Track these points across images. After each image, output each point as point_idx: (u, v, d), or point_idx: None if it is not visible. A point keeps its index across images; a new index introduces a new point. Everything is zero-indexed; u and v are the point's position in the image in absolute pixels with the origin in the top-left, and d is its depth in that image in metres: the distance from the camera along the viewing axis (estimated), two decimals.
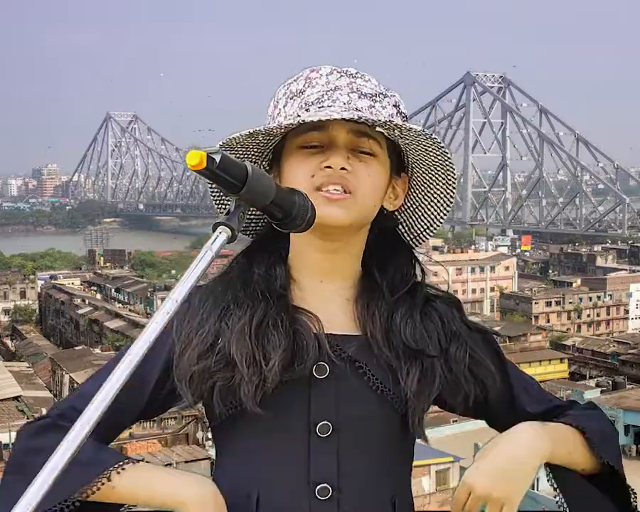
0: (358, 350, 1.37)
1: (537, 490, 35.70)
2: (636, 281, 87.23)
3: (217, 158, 1.04)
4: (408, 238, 1.52)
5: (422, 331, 1.40)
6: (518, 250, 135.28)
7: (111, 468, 1.30)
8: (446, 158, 1.39)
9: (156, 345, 1.10)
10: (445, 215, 1.48)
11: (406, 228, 1.52)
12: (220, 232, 1.06)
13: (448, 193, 1.46)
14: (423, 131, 1.34)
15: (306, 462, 1.34)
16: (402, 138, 1.37)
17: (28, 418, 41.38)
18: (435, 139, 1.35)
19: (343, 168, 1.33)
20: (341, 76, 1.38)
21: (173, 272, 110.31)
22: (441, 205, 1.47)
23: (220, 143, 1.34)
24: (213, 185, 1.39)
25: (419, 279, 1.47)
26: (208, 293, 1.41)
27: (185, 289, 1.01)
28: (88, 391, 1.38)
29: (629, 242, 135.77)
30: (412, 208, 1.50)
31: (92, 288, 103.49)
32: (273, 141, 1.41)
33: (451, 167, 1.41)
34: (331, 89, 1.36)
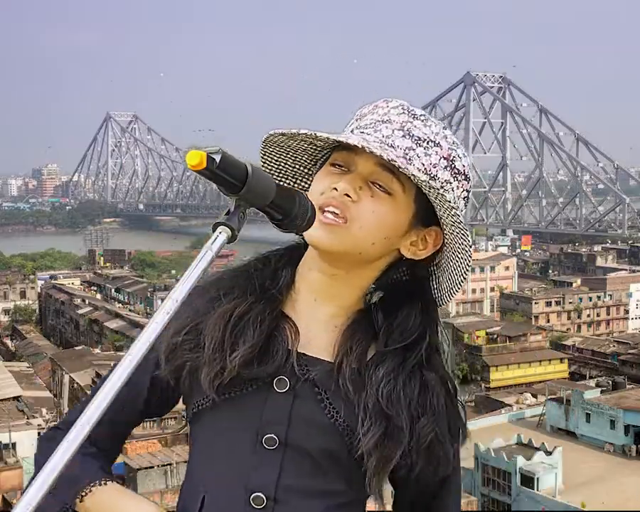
0: (322, 376, 1.36)
1: (537, 490, 35.80)
2: (636, 281, 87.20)
3: (217, 158, 1.04)
4: (436, 295, 1.47)
5: (400, 396, 1.35)
6: (518, 250, 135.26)
7: (83, 489, 1.36)
8: (461, 227, 1.33)
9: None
10: (464, 279, 1.42)
11: (436, 284, 1.47)
12: (220, 232, 1.06)
13: (466, 259, 1.39)
14: (434, 186, 1.30)
15: (248, 470, 1.35)
16: (425, 189, 1.32)
17: (27, 418, 41.50)
18: (445, 197, 1.31)
19: (347, 195, 1.32)
20: (402, 112, 1.37)
21: (173, 272, 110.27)
22: (461, 268, 1.41)
23: (264, 138, 1.38)
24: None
25: (428, 338, 1.41)
26: (208, 283, 1.45)
27: (186, 289, 1.02)
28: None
29: (629, 242, 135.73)
30: (442, 266, 1.45)
31: (92, 288, 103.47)
32: (323, 153, 1.43)
33: (467, 238, 1.35)
34: (382, 121, 1.36)
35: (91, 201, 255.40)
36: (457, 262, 1.41)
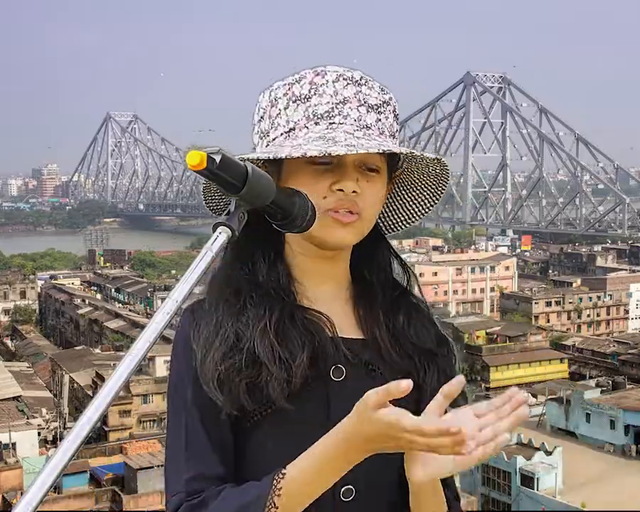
0: (370, 355, 1.39)
1: (537, 490, 35.80)
2: (636, 281, 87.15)
3: (218, 158, 1.04)
4: (381, 226, 1.54)
5: (423, 329, 1.43)
6: (518, 250, 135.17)
7: (269, 497, 1.25)
8: (445, 170, 1.44)
9: (187, 371, 1.32)
10: (425, 213, 1.52)
11: (381, 219, 1.54)
12: (220, 233, 1.07)
13: (434, 197, 1.50)
14: (436, 157, 1.40)
15: None
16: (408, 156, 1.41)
17: (27, 418, 41.48)
18: (439, 158, 1.40)
19: (354, 192, 1.34)
20: (348, 84, 1.37)
21: (173, 272, 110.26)
22: (425, 205, 1.52)
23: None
24: (207, 185, 1.41)
25: (398, 273, 1.50)
26: (217, 296, 1.40)
27: (186, 289, 1.01)
28: (177, 448, 1.36)
29: (629, 242, 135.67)
30: (388, 201, 1.52)
31: (92, 288, 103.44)
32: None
33: (446, 175, 1.45)
34: (340, 102, 1.35)
35: (91, 201, 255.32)
36: (420, 198, 1.51)
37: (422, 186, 1.49)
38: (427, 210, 1.52)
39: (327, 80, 1.36)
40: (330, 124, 1.34)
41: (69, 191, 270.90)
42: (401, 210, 1.55)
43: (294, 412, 1.34)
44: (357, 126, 1.34)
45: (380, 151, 1.30)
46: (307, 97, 1.35)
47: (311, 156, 1.31)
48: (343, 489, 1.35)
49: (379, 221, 1.51)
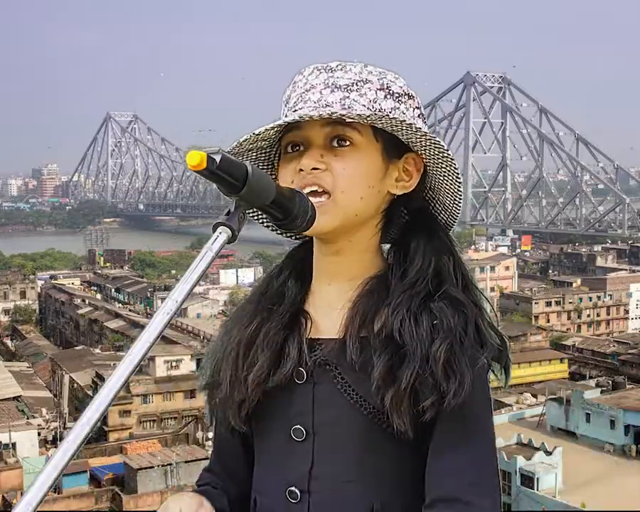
0: (331, 354, 1.35)
1: (537, 490, 35.76)
2: (636, 281, 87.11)
3: (217, 158, 1.04)
4: (445, 219, 1.45)
5: (411, 325, 1.30)
6: (518, 250, 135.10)
7: None
8: (428, 137, 1.32)
9: None
10: (460, 187, 1.39)
11: (440, 207, 1.44)
12: (220, 233, 1.06)
13: (451, 165, 1.36)
14: (376, 114, 1.29)
15: (283, 466, 1.38)
16: (377, 123, 1.31)
17: (27, 418, 41.49)
18: (397, 119, 1.29)
19: (315, 168, 1.30)
20: (320, 73, 1.35)
21: (173, 272, 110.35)
22: (452, 177, 1.38)
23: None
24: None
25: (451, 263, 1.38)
26: (239, 309, 1.49)
27: (186, 289, 1.01)
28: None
29: (629, 242, 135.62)
30: (437, 186, 1.42)
31: (92, 288, 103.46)
32: (273, 149, 1.42)
33: (440, 144, 1.33)
34: (306, 90, 1.34)
35: (91, 201, 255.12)
36: (446, 173, 1.38)
37: (439, 160, 1.37)
38: (458, 184, 1.39)
39: (303, 75, 1.36)
40: (293, 112, 1.34)
41: (69, 191, 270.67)
42: (445, 195, 1.42)
43: (263, 417, 1.39)
44: (313, 107, 1.32)
45: (314, 117, 1.26)
46: (289, 96, 1.37)
47: (285, 145, 1.36)
48: (288, 490, 1.36)
49: (440, 210, 1.44)
